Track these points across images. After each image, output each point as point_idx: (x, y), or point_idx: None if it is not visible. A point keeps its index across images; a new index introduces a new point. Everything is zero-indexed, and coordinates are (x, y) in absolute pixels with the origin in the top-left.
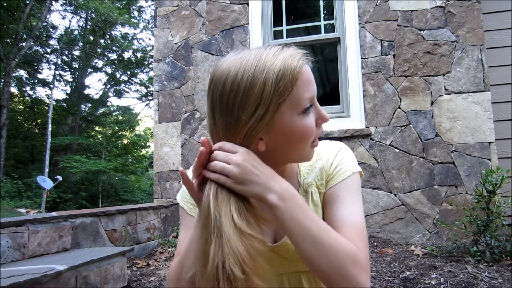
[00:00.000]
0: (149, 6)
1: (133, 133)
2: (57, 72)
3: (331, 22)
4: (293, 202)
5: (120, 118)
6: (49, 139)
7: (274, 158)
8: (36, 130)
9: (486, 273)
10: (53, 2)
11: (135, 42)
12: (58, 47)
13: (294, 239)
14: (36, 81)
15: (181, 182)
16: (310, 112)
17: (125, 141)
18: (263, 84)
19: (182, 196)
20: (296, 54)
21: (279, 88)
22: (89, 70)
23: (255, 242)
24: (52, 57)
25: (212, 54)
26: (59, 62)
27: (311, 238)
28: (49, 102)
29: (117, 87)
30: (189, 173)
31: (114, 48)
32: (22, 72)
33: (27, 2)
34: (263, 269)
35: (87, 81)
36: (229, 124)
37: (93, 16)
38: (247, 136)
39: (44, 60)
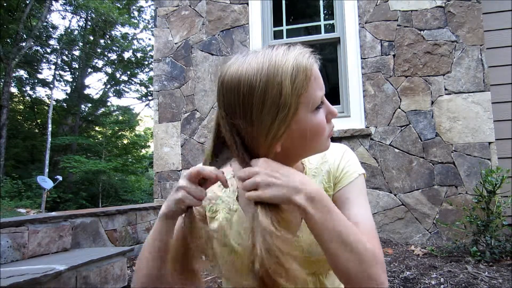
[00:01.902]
0: (149, 6)
1: (133, 133)
2: (57, 72)
3: (331, 22)
4: (321, 203)
5: (120, 118)
6: (49, 139)
7: (289, 156)
8: (36, 130)
9: (486, 273)
10: (53, 2)
11: (135, 42)
12: (58, 47)
13: (322, 239)
14: (36, 81)
15: None
16: (321, 109)
17: (125, 141)
18: (280, 85)
19: None
20: (305, 52)
21: (296, 87)
22: (89, 70)
23: (284, 244)
24: (52, 57)
25: (212, 54)
26: (59, 62)
27: (340, 239)
28: (49, 102)
29: (117, 87)
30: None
31: (114, 48)
32: (22, 72)
33: (27, 2)
34: (293, 271)
35: (87, 81)
36: (250, 132)
37: (93, 16)
38: (272, 141)
39: (44, 60)
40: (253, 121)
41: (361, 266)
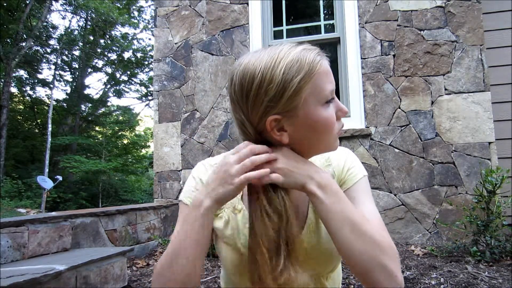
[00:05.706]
0: (149, 6)
1: (133, 133)
2: (57, 72)
3: (331, 22)
4: (331, 189)
5: (120, 118)
6: (49, 139)
7: (298, 150)
8: (36, 130)
9: (486, 273)
10: (53, 2)
11: (135, 42)
12: (58, 47)
13: (333, 226)
14: (36, 81)
15: (181, 182)
16: (331, 104)
17: (125, 141)
18: (276, 75)
19: (187, 192)
20: (312, 49)
21: (292, 78)
22: (89, 70)
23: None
24: (52, 57)
25: (212, 54)
26: (59, 62)
27: (352, 225)
28: (49, 102)
29: (117, 87)
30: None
31: (114, 48)
32: (22, 72)
33: (27, 2)
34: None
35: (87, 81)
36: (245, 116)
37: (93, 16)
38: (260, 118)
39: (44, 60)
40: (248, 106)
41: (370, 253)
